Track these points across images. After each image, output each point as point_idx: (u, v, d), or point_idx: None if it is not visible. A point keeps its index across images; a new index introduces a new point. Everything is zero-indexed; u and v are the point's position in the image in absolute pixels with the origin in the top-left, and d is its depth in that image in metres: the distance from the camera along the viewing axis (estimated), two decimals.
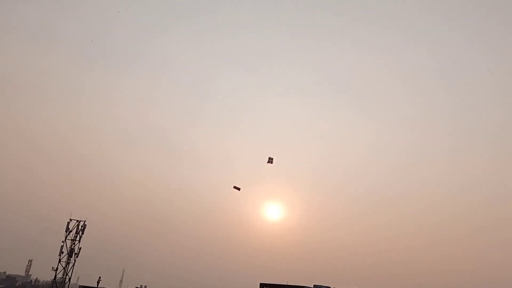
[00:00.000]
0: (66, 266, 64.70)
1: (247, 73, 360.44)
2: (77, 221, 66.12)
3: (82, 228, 65.84)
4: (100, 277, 57.88)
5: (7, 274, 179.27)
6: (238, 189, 45.32)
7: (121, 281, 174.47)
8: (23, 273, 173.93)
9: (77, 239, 65.54)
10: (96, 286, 55.98)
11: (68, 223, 65.88)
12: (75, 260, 65.22)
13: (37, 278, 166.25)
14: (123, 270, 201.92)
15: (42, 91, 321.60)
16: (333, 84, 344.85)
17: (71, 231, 65.61)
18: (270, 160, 45.46)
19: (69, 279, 65.86)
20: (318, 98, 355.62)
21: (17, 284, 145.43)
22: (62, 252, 64.86)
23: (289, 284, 45.28)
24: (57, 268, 64.31)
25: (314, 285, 46.25)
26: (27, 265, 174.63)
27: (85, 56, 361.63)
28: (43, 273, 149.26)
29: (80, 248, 65.71)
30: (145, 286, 63.74)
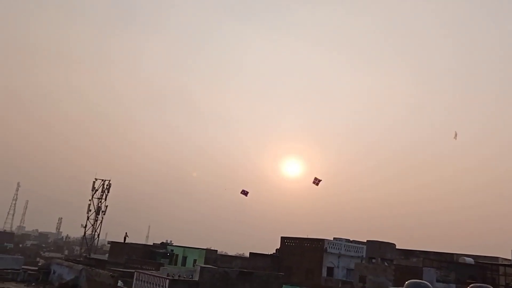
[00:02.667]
0: (94, 223, 67.39)
1: (277, 35, 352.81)
2: (102, 180, 68.20)
3: (107, 187, 67.94)
4: (126, 233, 60.14)
5: (39, 231, 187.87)
6: (246, 194, 46.22)
7: (147, 237, 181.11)
8: (54, 231, 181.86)
9: (103, 197, 67.80)
10: (123, 241, 58.31)
11: (94, 182, 68.01)
12: (102, 218, 67.78)
13: (67, 235, 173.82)
14: (149, 226, 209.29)
15: (67, 56, 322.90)
16: (366, 36, 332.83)
17: (97, 190, 67.80)
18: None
19: (98, 235, 68.77)
20: (351, 51, 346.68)
21: (49, 241, 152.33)
22: (90, 210, 67.38)
23: (309, 237, 46.31)
24: (86, 225, 67.07)
25: (334, 238, 47.11)
26: (58, 223, 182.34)
27: (109, 20, 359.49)
28: (73, 230, 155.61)
29: (107, 206, 68.11)
30: (170, 241, 66.56)
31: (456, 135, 48.16)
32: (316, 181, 43.41)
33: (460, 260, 40.24)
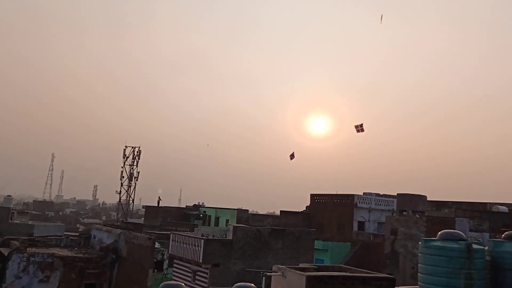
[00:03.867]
0: (128, 189, 69.43)
1: None
2: (132, 147, 69.66)
3: (138, 154, 69.42)
4: (159, 197, 61.84)
5: (77, 199, 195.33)
6: (292, 156, 42.95)
7: (179, 200, 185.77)
8: (91, 198, 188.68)
9: (135, 164, 69.46)
10: (157, 205, 60.05)
11: (124, 150, 69.55)
12: (135, 184, 69.72)
13: (103, 201, 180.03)
14: (181, 189, 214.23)
15: (81, 22, 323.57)
16: None
17: (128, 157, 69.42)
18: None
19: (132, 200, 70.99)
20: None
21: (87, 208, 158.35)
22: (123, 177, 69.31)
23: (338, 193, 46.53)
24: (120, 191, 69.19)
25: (364, 193, 47.16)
26: (93, 191, 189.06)
27: None
28: (109, 196, 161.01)
29: (139, 172, 69.85)
30: (202, 203, 68.17)
31: (382, 17, 46.96)
32: (359, 128, 38.29)
33: (494, 208, 39.79)
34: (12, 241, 28.18)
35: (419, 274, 9.21)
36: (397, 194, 34.48)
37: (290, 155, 42.54)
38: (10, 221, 42.00)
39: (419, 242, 9.64)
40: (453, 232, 9.54)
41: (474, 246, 8.62)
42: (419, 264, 9.27)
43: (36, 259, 25.36)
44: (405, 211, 32.26)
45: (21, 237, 30.44)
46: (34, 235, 35.13)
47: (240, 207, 64.78)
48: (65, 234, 37.86)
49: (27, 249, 26.13)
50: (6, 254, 25.31)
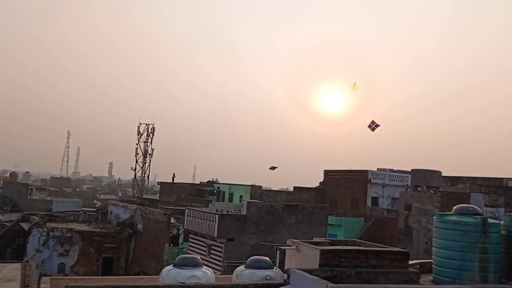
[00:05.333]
0: (143, 166, 70.19)
1: None
2: (146, 124, 70.03)
3: (152, 131, 69.78)
4: (174, 174, 62.46)
5: (93, 176, 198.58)
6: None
7: (193, 176, 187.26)
8: (106, 175, 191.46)
9: (149, 141, 69.95)
10: (172, 181, 60.72)
11: (138, 127, 69.92)
12: (150, 160, 70.34)
13: (119, 178, 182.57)
14: (194, 166, 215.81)
15: (91, 0, 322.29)
16: None
17: (142, 134, 69.84)
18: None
19: (147, 177, 71.83)
20: None
21: (103, 184, 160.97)
22: (138, 154, 69.92)
23: (352, 169, 46.45)
24: (135, 168, 69.94)
25: (378, 169, 47.00)
26: (109, 167, 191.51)
27: None
28: (124, 173, 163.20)
29: (153, 149, 70.34)
30: (216, 179, 68.88)
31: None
32: (373, 126, 34.05)
33: (510, 184, 39.43)
34: (32, 216, 28.91)
35: (433, 248, 9.22)
36: (412, 169, 34.30)
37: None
38: (29, 197, 42.98)
39: (434, 217, 9.62)
40: (468, 206, 9.49)
41: (490, 220, 8.58)
42: (433, 239, 9.27)
43: (55, 234, 26.05)
44: (419, 186, 32.13)
45: (40, 213, 31.19)
46: (52, 211, 35.99)
47: (253, 183, 65.16)
48: (82, 210, 38.70)
49: (47, 224, 26.82)
50: (26, 229, 26.03)
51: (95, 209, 39.84)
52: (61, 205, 41.20)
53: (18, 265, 13.27)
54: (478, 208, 9.22)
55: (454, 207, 9.29)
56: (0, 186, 52.57)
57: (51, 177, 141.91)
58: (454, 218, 8.84)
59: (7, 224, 29.12)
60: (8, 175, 62.23)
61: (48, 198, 47.77)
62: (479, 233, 8.45)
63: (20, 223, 27.79)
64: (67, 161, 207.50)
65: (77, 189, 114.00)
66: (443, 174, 34.45)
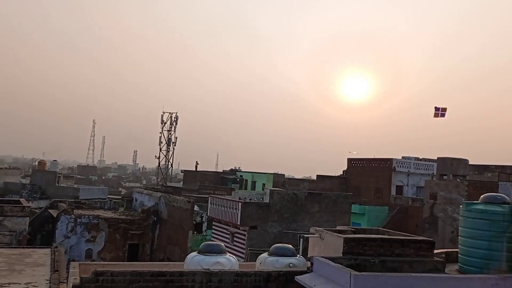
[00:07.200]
0: (166, 154, 71.01)
1: None
2: (170, 113, 70.70)
3: (175, 119, 70.44)
4: (197, 162, 62.97)
5: (118, 164, 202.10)
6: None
7: (216, 165, 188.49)
8: (131, 163, 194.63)
9: (172, 129, 70.66)
10: (195, 170, 61.29)
11: (162, 115, 70.68)
12: (173, 149, 71.15)
13: (143, 166, 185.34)
14: (217, 154, 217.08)
15: None
16: None
17: (165, 122, 70.59)
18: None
19: (171, 165, 72.72)
20: None
21: (128, 172, 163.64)
22: (161, 142, 70.77)
23: (376, 157, 45.96)
24: (159, 156, 70.87)
25: (402, 157, 46.40)
26: (134, 156, 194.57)
27: None
28: (148, 161, 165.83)
29: (176, 137, 71.11)
30: (239, 167, 69.19)
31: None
32: (440, 112, 31.76)
33: None
34: (60, 203, 29.67)
35: (459, 237, 9.07)
36: (438, 158, 33.70)
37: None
38: (57, 184, 44.08)
39: (460, 206, 9.45)
40: (496, 195, 9.29)
41: None
42: (459, 228, 9.12)
43: (82, 220, 26.70)
44: (445, 175, 31.57)
45: (68, 200, 32.00)
46: (79, 198, 36.88)
47: (276, 171, 65.18)
48: (108, 197, 39.52)
49: (74, 211, 27.49)
50: (55, 216, 26.75)
51: (120, 197, 40.63)
52: (88, 192, 42.15)
53: (47, 251, 13.67)
54: (506, 197, 9.01)
55: (482, 196, 9.11)
56: (30, 174, 54.04)
57: (77, 165, 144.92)
58: (481, 207, 8.68)
59: (37, 211, 29.93)
60: (36, 164, 63.90)
61: (75, 185, 48.88)
62: (507, 223, 8.28)
63: (49, 210, 28.56)
64: (93, 150, 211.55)
65: (103, 177, 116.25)
66: (470, 163, 33.74)
